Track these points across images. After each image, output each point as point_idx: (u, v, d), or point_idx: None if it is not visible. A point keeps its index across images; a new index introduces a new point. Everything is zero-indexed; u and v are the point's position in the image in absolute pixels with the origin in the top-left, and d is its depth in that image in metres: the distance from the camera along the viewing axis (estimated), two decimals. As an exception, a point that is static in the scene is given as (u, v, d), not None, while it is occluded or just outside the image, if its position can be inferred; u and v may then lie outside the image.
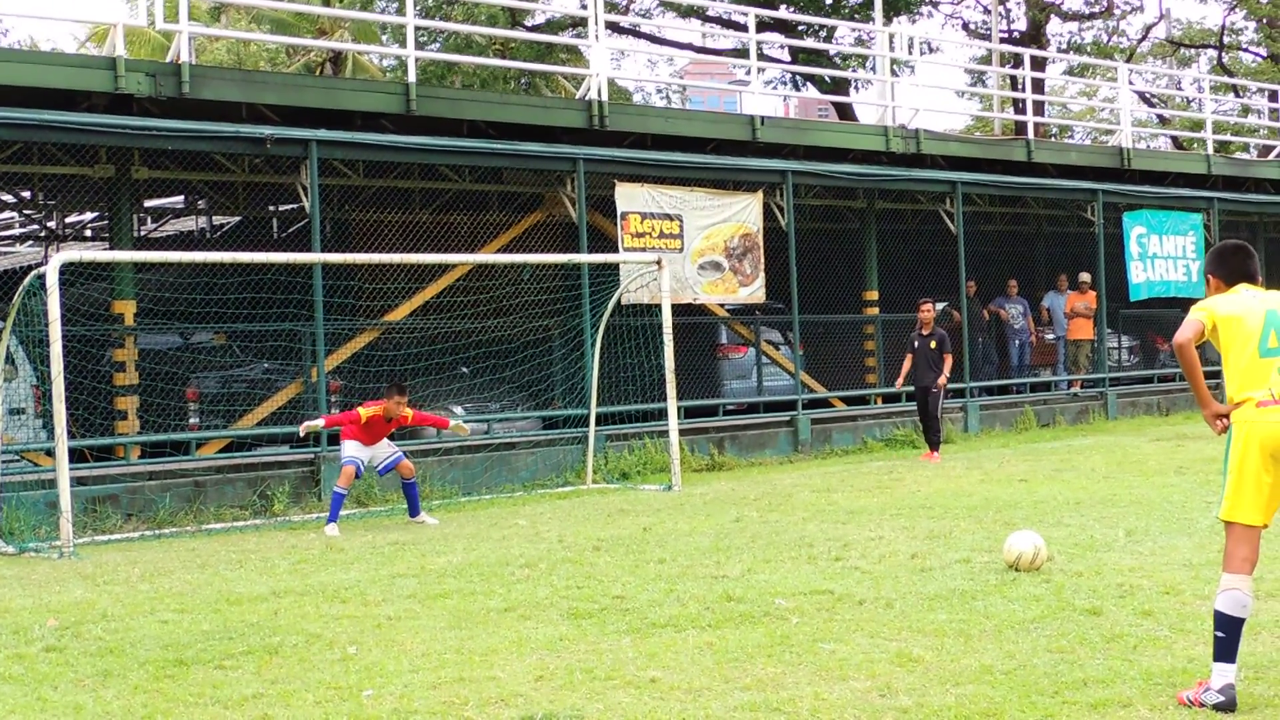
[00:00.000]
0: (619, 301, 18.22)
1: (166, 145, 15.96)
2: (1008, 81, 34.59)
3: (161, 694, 7.05)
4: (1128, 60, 44.05)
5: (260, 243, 19.82)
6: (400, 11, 31.09)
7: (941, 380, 19.05)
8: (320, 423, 14.23)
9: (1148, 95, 43.61)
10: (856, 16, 35.07)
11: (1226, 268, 6.79)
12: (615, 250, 18.70)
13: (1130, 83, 33.37)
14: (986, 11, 41.03)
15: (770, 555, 10.86)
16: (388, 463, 14.19)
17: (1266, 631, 7.61)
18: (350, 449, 13.97)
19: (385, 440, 14.23)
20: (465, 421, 17.05)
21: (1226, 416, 6.53)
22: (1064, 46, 44.37)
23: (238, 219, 23.14)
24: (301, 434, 14.34)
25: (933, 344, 19.12)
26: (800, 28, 36.76)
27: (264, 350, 17.44)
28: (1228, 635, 6.27)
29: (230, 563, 11.53)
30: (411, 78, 18.27)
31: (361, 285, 18.02)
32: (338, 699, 6.86)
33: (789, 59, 37.70)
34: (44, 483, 13.95)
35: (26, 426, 15.71)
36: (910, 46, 26.66)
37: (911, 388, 19.58)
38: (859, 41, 37.69)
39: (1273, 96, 35.10)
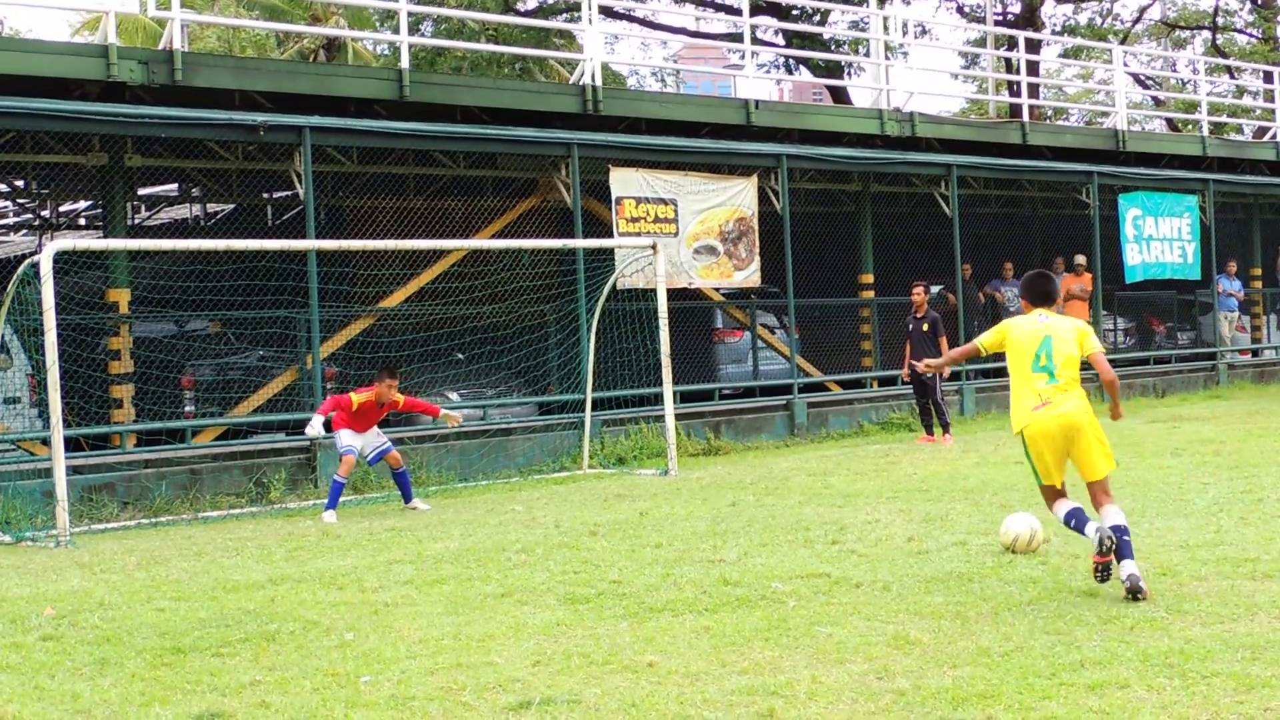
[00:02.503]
0: (614, 286, 18.20)
1: (159, 133, 15.92)
2: (1002, 64, 34.56)
3: (159, 682, 7.04)
4: (1122, 42, 44.00)
5: (254, 230, 19.72)
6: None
7: (945, 370, 19.07)
8: (320, 420, 14.01)
9: (1142, 77, 43.58)
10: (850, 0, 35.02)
11: (1030, 291, 8.77)
12: (610, 235, 18.68)
13: (1125, 65, 33.32)
14: (981, -6, 40.96)
15: (767, 539, 10.86)
16: (377, 453, 14.14)
17: (1264, 612, 7.62)
18: (346, 438, 13.94)
19: (375, 429, 14.19)
20: (458, 409, 17.05)
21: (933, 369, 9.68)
22: (1058, 29, 44.30)
23: (232, 206, 23.07)
24: (313, 437, 14.21)
25: (925, 326, 19.14)
26: (794, 11, 36.69)
27: (259, 337, 17.42)
28: (1078, 519, 8.29)
29: (227, 550, 11.52)
30: (405, 63, 18.23)
31: (356, 272, 18.01)
32: (335, 685, 6.85)
33: (783, 43, 37.66)
34: (40, 471, 13.94)
35: (22, 415, 15.72)
36: (904, 29, 26.59)
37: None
38: (853, 25, 37.64)
39: (1267, 78, 35.06)
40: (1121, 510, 8.34)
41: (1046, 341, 8.40)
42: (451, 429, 15.99)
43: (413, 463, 16.14)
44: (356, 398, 13.89)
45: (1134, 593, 7.91)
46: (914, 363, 18.98)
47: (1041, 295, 8.72)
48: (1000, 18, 39.70)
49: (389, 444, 14.22)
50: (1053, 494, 8.53)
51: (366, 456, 14.19)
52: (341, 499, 14.23)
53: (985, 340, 8.78)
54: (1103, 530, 8.00)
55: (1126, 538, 8.10)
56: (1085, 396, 8.49)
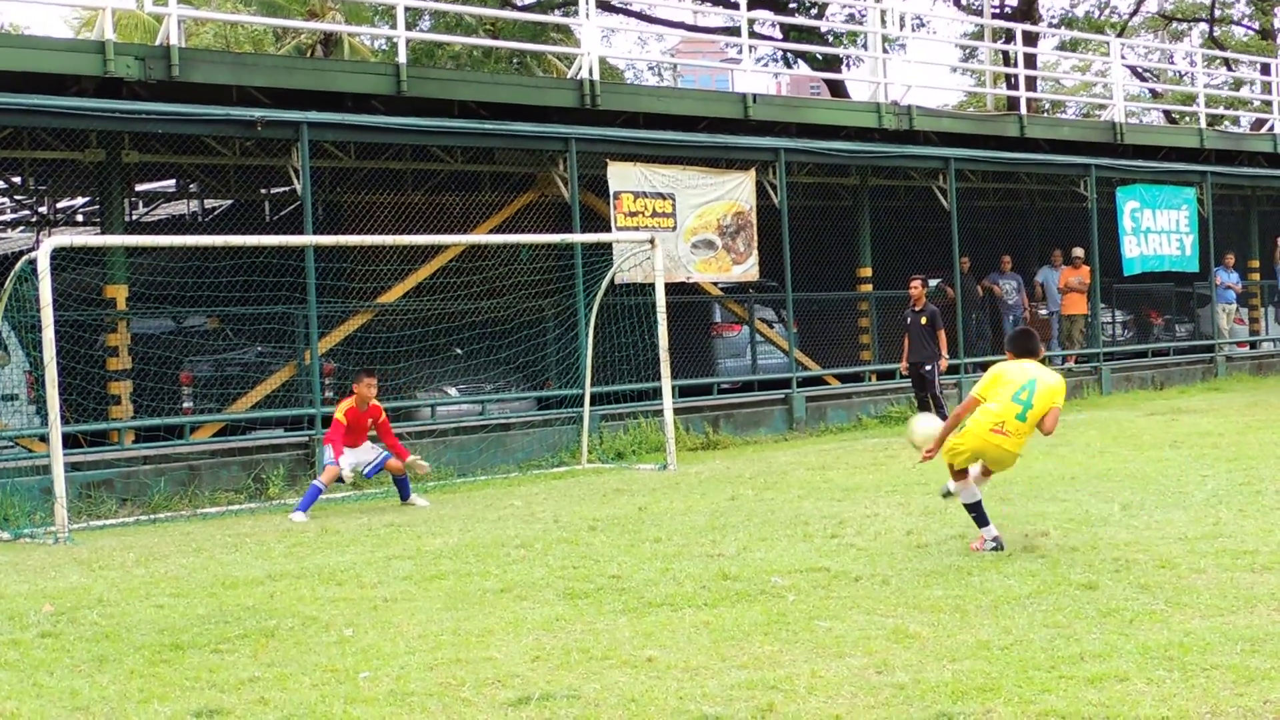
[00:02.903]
0: (612, 281, 18.19)
1: (156, 129, 15.91)
2: (1000, 57, 34.54)
3: (158, 678, 7.04)
4: (1120, 34, 43.97)
5: (252, 226, 19.70)
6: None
7: (943, 363, 19.12)
8: (345, 464, 13.86)
9: (1140, 70, 43.55)
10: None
11: (1016, 346, 9.85)
12: (608, 230, 18.67)
13: (1122, 57, 33.30)
14: (978, -14, 40.93)
15: (766, 533, 10.86)
16: (375, 465, 14.01)
17: (1263, 604, 7.62)
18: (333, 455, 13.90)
19: (368, 444, 14.11)
20: (457, 403, 17.09)
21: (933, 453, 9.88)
22: (1056, 21, 44.29)
23: (229, 202, 23.07)
24: (350, 479, 14.05)
25: (924, 320, 19.14)
26: (792, 4, 36.67)
27: (257, 333, 17.41)
28: (978, 513, 9.61)
29: (225, 546, 11.52)
30: (402, 58, 18.21)
31: (354, 267, 17.98)
32: (334, 681, 6.85)
33: (780, 36, 37.65)
34: (38, 468, 13.93)
35: (20, 412, 15.69)
36: (902, 23, 26.58)
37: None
38: (850, 18, 37.60)
39: (1264, 70, 35.07)
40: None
41: (1032, 383, 9.44)
42: (453, 421, 15.91)
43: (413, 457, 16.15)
44: (340, 413, 13.80)
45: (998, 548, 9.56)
46: (915, 359, 19.13)
47: (1027, 351, 9.78)
48: (998, 10, 39.68)
49: (386, 454, 14.10)
50: (959, 472, 9.70)
51: (363, 471, 14.08)
52: (340, 495, 14.22)
53: (981, 390, 9.66)
54: (1001, 537, 9.57)
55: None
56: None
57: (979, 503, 9.63)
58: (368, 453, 14.06)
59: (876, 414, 21.59)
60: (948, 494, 10.18)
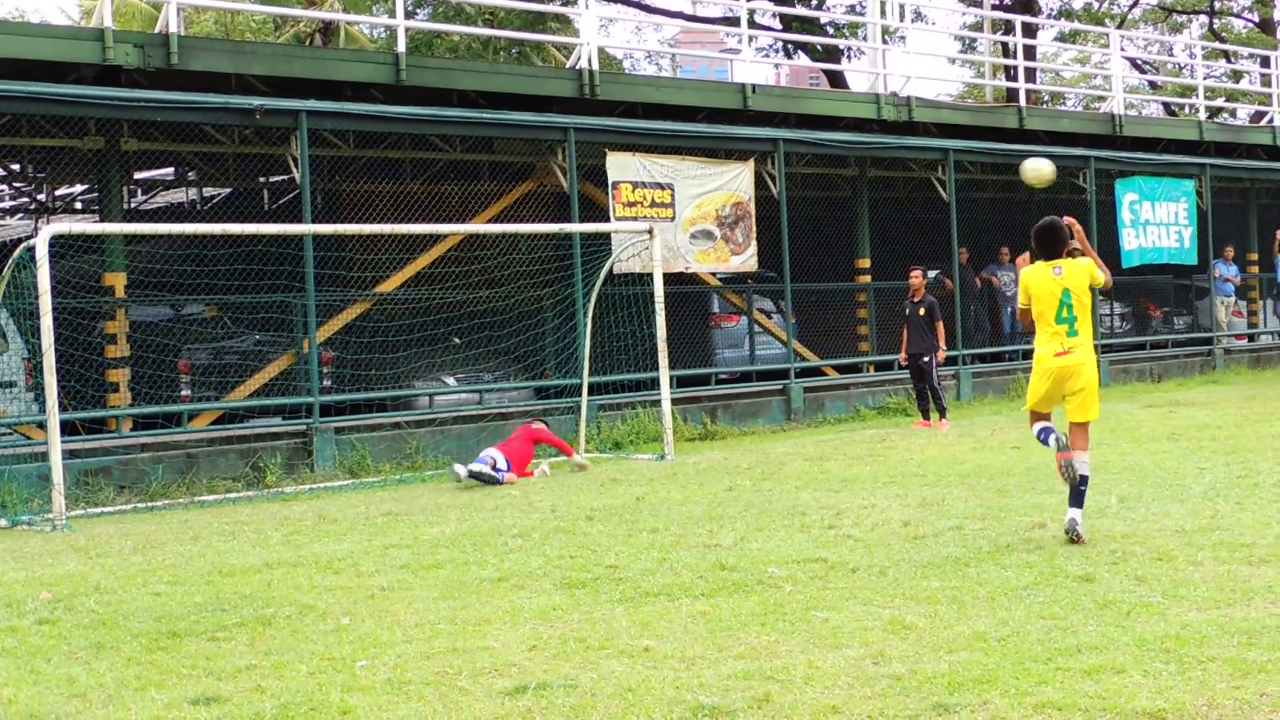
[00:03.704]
0: (611, 271, 18.18)
1: (155, 117, 15.88)
2: (999, 48, 34.51)
3: (154, 666, 7.04)
4: (1119, 26, 43.94)
5: (251, 214, 19.71)
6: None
7: (940, 355, 19.12)
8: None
9: (1139, 62, 43.50)
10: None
11: (1044, 246, 9.81)
12: (607, 219, 18.66)
13: (1122, 49, 33.26)
14: (978, -22, 40.87)
15: (763, 524, 10.87)
16: (491, 474, 14.49)
17: (1260, 597, 7.62)
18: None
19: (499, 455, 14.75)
20: (454, 393, 17.10)
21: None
22: (1055, 13, 44.23)
23: (228, 191, 23.05)
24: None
25: (922, 311, 19.13)
26: (791, -5, 36.61)
27: (256, 322, 17.41)
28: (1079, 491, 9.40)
29: (223, 534, 11.52)
30: (401, 47, 18.19)
31: (353, 256, 17.97)
32: (331, 670, 6.85)
33: (780, 27, 37.60)
34: (36, 456, 13.93)
35: (18, 400, 15.70)
36: (901, 14, 26.56)
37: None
38: (850, 9, 37.56)
39: (1264, 62, 35.05)
40: (1089, 462, 9.64)
41: (1065, 295, 9.63)
42: (451, 410, 16.06)
43: (409, 447, 16.18)
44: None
45: (1072, 537, 9.31)
46: (914, 350, 19.09)
47: (1050, 249, 9.81)
48: (997, 2, 39.65)
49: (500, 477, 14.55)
50: (1036, 416, 9.85)
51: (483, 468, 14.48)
52: (339, 483, 14.20)
53: (1021, 304, 9.90)
54: (1059, 439, 9.48)
55: (1083, 488, 9.42)
56: (1093, 350, 9.87)
57: (1051, 426, 9.65)
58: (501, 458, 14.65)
59: (874, 405, 21.61)
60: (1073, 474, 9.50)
